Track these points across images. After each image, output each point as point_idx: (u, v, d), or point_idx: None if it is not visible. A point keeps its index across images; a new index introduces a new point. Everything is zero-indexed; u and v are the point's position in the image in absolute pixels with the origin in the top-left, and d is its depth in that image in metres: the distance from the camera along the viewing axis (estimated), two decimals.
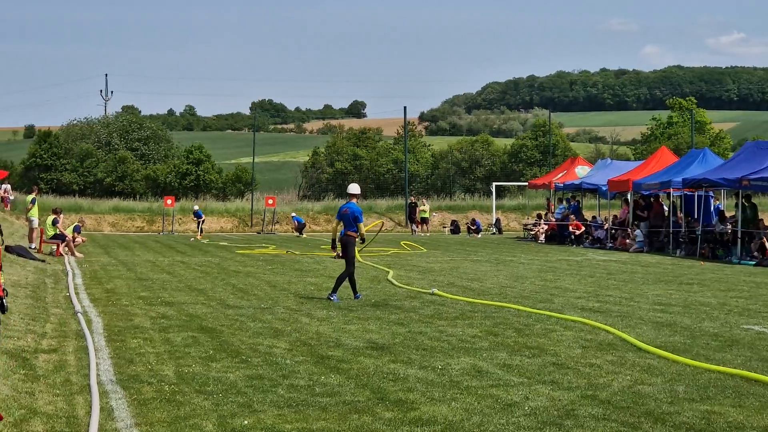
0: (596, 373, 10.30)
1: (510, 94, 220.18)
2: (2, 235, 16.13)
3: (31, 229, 31.58)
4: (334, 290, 17.44)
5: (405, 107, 64.01)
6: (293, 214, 51.39)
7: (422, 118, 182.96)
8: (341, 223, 17.77)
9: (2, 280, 5.94)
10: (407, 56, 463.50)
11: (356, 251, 18.31)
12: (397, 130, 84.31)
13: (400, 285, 20.47)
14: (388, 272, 23.69)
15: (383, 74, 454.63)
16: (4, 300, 6.15)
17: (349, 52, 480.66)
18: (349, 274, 17.51)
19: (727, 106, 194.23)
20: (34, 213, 31.85)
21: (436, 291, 18.87)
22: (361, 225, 17.65)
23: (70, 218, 38.55)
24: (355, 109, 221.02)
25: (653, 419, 8.25)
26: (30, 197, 33.24)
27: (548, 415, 8.35)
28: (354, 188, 18.19)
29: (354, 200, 17.86)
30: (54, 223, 29.30)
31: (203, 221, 48.78)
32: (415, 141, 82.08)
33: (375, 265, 26.36)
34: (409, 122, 72.04)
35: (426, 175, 77.90)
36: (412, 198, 53.59)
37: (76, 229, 31.07)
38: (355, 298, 17.56)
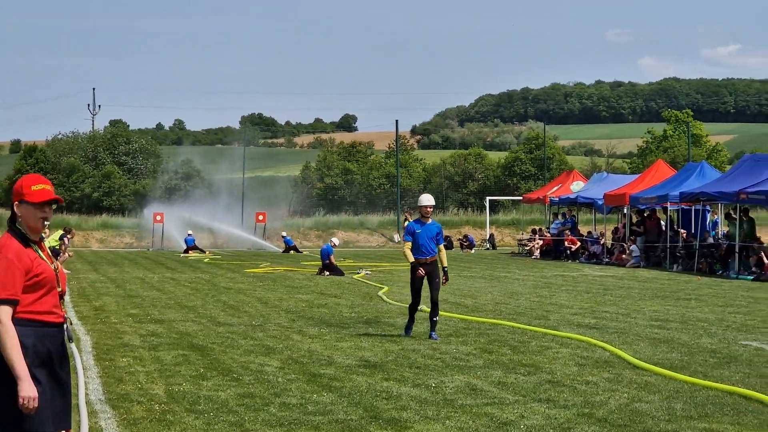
0: (593, 391, 10.17)
1: (504, 107, 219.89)
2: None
3: None
4: (409, 325, 15.07)
5: (396, 120, 63.90)
6: (284, 234, 50.27)
7: (414, 131, 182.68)
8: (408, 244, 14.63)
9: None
10: (399, 69, 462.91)
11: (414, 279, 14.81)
12: (389, 144, 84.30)
13: (392, 301, 20.26)
14: (381, 288, 23.49)
15: (374, 87, 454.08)
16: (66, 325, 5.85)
17: (340, 65, 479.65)
18: (410, 306, 15.07)
19: (724, 118, 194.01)
20: None
21: (423, 308, 18.40)
22: (407, 244, 14.57)
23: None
24: (346, 123, 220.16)
25: None
26: None
27: None
28: (423, 199, 14.77)
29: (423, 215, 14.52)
30: (61, 238, 29.26)
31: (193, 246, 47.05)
32: (407, 155, 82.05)
33: (368, 282, 26.19)
34: (400, 136, 72.05)
35: (419, 190, 77.81)
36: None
37: (62, 237, 30.93)
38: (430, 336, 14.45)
